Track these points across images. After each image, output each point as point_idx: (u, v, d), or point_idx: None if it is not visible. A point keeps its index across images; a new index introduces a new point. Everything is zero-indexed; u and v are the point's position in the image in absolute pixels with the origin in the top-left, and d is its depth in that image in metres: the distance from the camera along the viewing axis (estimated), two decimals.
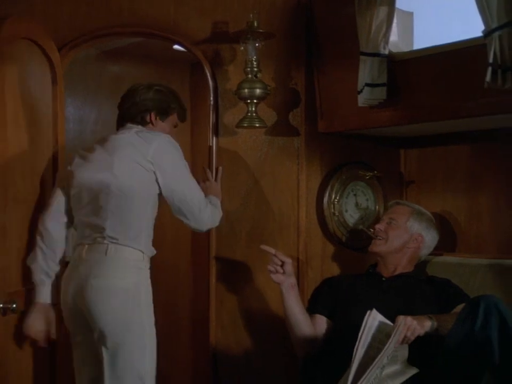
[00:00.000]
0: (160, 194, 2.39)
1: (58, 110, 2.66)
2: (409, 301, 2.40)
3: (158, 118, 2.51)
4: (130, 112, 2.50)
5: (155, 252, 2.41)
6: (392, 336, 2.01)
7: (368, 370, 1.99)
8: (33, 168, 2.55)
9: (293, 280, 2.52)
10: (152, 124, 2.51)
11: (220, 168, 2.76)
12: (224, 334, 2.81)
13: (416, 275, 2.58)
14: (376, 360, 1.99)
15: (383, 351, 1.99)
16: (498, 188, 2.73)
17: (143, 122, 2.50)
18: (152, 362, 2.33)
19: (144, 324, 2.32)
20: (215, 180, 2.74)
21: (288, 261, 2.51)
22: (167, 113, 2.53)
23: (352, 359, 2.04)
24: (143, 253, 2.36)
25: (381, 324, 2.08)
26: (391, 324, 2.08)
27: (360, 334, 2.06)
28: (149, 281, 2.37)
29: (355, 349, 2.05)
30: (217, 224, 2.55)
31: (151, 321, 2.34)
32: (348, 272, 2.84)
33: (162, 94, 2.53)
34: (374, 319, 2.09)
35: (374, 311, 2.10)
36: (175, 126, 2.60)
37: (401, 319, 2.07)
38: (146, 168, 2.33)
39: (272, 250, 2.51)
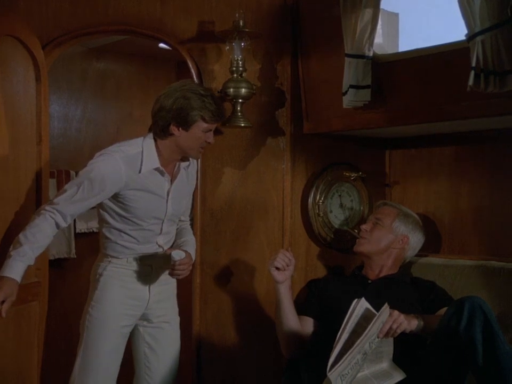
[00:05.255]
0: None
1: (42, 107, 2.63)
2: (394, 304, 2.39)
3: (180, 128, 2.37)
4: (153, 123, 2.41)
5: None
6: (375, 318, 2.02)
7: (349, 352, 1.98)
8: (15, 166, 2.52)
9: (290, 281, 2.52)
10: (176, 135, 2.38)
11: None
12: (208, 333, 2.81)
13: (401, 277, 2.59)
14: (358, 341, 1.98)
15: (365, 333, 1.99)
16: (481, 190, 2.75)
17: (166, 135, 2.39)
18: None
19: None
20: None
21: (294, 261, 2.50)
22: (188, 123, 2.35)
23: (335, 343, 2.03)
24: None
25: (367, 312, 2.08)
26: (377, 313, 2.07)
27: (345, 320, 2.06)
28: None
29: (339, 333, 2.04)
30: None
31: None
32: (332, 273, 2.85)
33: (181, 101, 2.34)
34: (361, 306, 2.09)
35: (363, 299, 2.11)
36: (208, 131, 2.40)
37: (386, 304, 2.08)
38: None
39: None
